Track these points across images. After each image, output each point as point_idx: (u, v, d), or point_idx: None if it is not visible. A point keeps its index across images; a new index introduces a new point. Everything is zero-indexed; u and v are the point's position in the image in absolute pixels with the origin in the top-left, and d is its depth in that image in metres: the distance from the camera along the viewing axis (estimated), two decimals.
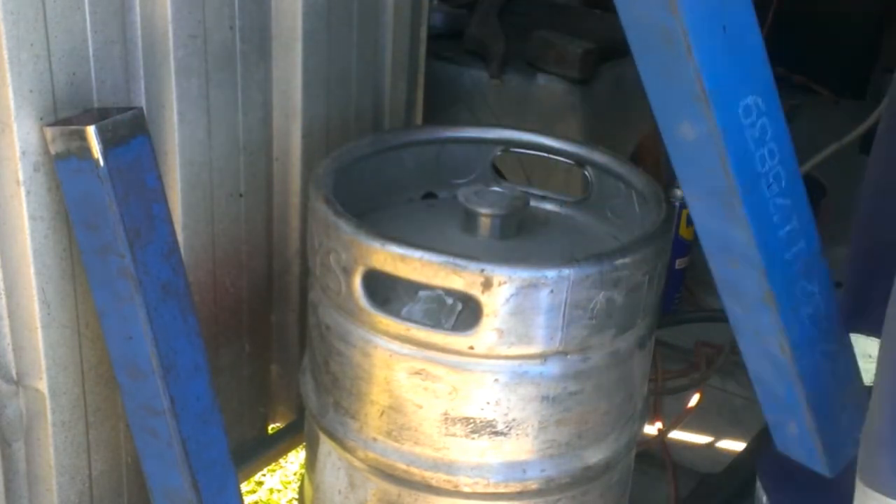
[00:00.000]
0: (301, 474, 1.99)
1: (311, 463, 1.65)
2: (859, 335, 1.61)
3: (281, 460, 2.07)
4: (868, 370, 1.62)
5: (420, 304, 1.42)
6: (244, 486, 1.95)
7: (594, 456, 1.49)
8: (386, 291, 1.43)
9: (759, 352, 1.42)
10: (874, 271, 1.59)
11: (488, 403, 1.39)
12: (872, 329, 1.60)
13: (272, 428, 1.90)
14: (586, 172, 1.69)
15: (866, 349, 1.61)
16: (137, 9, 1.38)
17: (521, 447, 1.43)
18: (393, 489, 1.49)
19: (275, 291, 1.78)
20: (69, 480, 1.46)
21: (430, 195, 1.73)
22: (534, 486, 1.46)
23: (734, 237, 1.31)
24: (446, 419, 1.41)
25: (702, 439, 2.25)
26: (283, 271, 1.77)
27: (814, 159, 2.18)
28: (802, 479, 1.73)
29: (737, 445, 2.16)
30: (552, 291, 1.33)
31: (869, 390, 1.60)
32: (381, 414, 1.44)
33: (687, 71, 1.17)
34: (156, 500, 1.45)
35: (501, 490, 1.45)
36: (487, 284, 1.31)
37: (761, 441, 1.87)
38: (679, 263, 2.61)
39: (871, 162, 1.60)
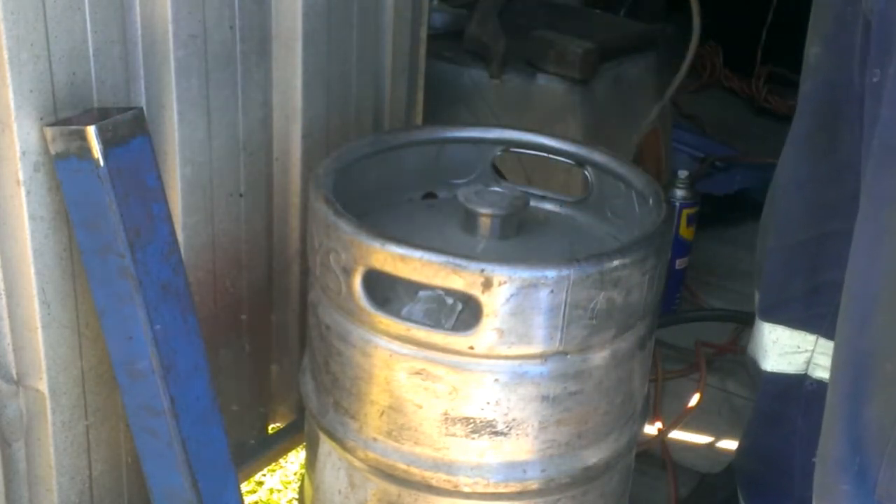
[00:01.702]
0: (301, 474, 1.99)
1: (311, 463, 1.65)
2: (785, 328, 1.64)
3: (281, 460, 2.07)
4: (794, 362, 1.65)
5: (420, 304, 1.42)
6: (244, 486, 1.95)
7: (594, 456, 1.49)
8: (386, 291, 1.43)
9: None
10: (790, 267, 1.62)
11: (488, 403, 1.39)
12: (792, 321, 1.63)
13: (272, 428, 1.90)
14: (586, 172, 1.69)
15: (793, 341, 1.64)
16: (137, 9, 1.38)
17: (521, 447, 1.43)
18: (393, 489, 1.49)
19: (275, 291, 1.78)
20: (69, 480, 1.46)
21: (430, 195, 1.73)
22: (534, 486, 1.46)
23: None
24: (446, 419, 1.41)
25: (702, 439, 2.26)
26: (283, 271, 1.77)
27: None
28: (771, 485, 1.75)
29: (737, 445, 2.16)
30: (552, 291, 1.32)
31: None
32: (381, 414, 1.44)
33: None
34: (156, 500, 1.45)
35: (501, 490, 1.45)
36: (487, 284, 1.31)
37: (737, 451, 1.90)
38: (679, 263, 2.62)
39: (783, 162, 1.62)
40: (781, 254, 1.64)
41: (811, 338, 1.63)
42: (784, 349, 1.66)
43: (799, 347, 1.64)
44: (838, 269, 1.37)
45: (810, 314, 1.62)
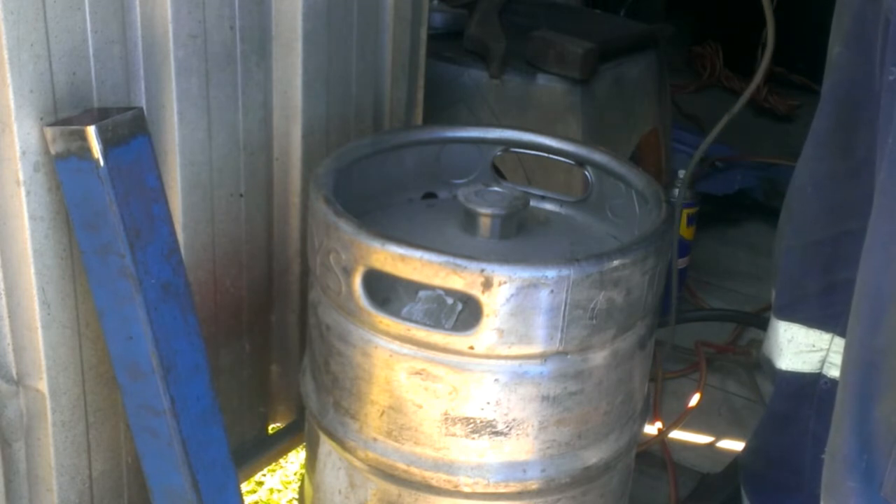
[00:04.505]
0: (301, 474, 1.99)
1: (311, 463, 1.65)
2: (801, 326, 1.64)
3: (281, 460, 2.07)
4: (809, 360, 1.65)
5: (420, 304, 1.42)
6: (244, 486, 1.95)
7: (594, 456, 1.49)
8: (386, 291, 1.43)
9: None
10: (806, 266, 1.62)
11: (488, 403, 1.39)
12: (808, 320, 1.63)
13: (272, 428, 1.90)
14: (586, 172, 1.69)
15: (808, 340, 1.64)
16: (137, 9, 1.38)
17: (521, 447, 1.43)
18: (393, 489, 1.49)
19: (275, 291, 1.78)
20: (69, 480, 1.46)
21: (430, 195, 1.74)
22: (534, 486, 1.46)
23: None
24: (446, 419, 1.41)
25: (702, 439, 2.26)
26: (283, 271, 1.77)
27: None
28: (779, 484, 1.75)
29: (737, 445, 2.17)
30: (552, 291, 1.33)
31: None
32: (382, 414, 1.44)
33: None
34: (156, 500, 1.45)
35: (501, 490, 1.45)
36: (487, 284, 1.31)
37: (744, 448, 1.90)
38: (679, 263, 2.62)
39: (802, 160, 1.62)
40: (798, 252, 1.64)
41: (826, 336, 1.63)
42: (799, 348, 1.66)
43: (814, 346, 1.64)
44: (855, 268, 1.36)
45: (826, 313, 1.62)
